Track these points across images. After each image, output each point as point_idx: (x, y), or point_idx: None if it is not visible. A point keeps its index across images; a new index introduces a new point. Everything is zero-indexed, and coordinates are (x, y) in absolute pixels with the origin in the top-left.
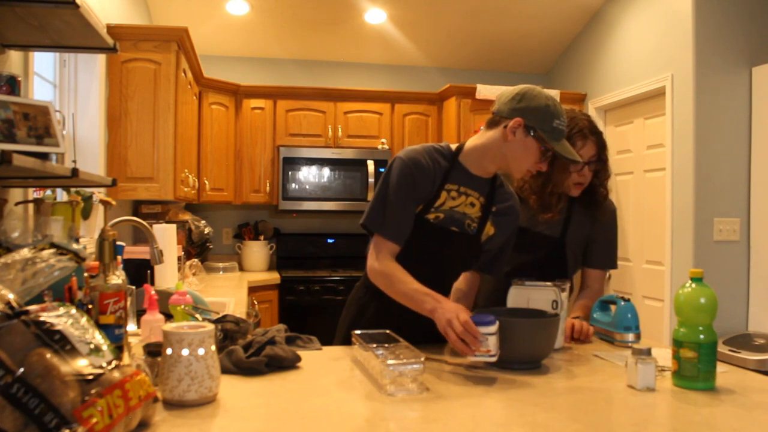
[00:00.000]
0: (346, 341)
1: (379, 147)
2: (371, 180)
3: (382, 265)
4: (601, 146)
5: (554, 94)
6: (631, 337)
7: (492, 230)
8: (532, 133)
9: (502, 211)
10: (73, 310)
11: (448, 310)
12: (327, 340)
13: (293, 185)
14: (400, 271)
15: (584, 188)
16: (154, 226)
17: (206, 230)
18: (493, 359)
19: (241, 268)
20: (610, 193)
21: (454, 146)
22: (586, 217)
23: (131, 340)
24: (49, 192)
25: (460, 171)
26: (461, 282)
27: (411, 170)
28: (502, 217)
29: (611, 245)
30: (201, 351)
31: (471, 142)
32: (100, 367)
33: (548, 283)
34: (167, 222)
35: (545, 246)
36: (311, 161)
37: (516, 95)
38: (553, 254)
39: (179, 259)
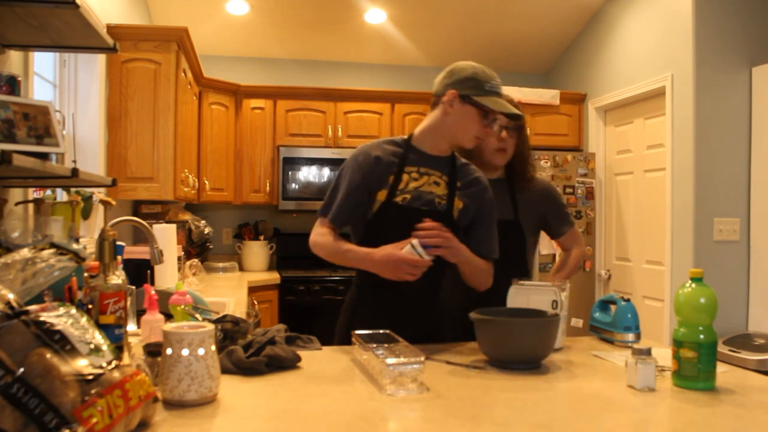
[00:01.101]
0: (345, 342)
1: None
2: None
3: (316, 236)
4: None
5: (554, 94)
6: (631, 337)
7: (461, 204)
8: (467, 101)
9: (467, 184)
10: (73, 310)
11: (384, 268)
12: (327, 340)
13: (293, 185)
14: (339, 243)
15: (509, 163)
16: (154, 226)
17: (206, 230)
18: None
19: (241, 268)
20: (536, 174)
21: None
22: (526, 196)
23: (131, 340)
24: (49, 192)
25: (416, 153)
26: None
27: (357, 160)
28: (468, 189)
29: (558, 210)
30: (201, 351)
31: (419, 127)
32: (100, 367)
33: (548, 283)
34: (167, 222)
35: (505, 229)
36: (311, 161)
37: (446, 73)
38: (513, 239)
39: (179, 259)
